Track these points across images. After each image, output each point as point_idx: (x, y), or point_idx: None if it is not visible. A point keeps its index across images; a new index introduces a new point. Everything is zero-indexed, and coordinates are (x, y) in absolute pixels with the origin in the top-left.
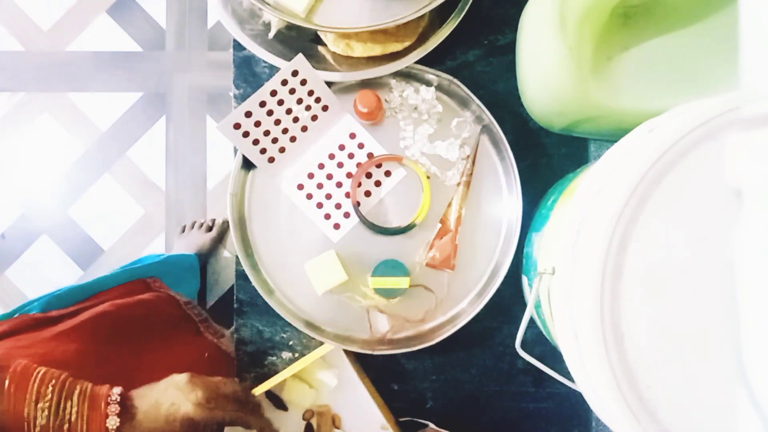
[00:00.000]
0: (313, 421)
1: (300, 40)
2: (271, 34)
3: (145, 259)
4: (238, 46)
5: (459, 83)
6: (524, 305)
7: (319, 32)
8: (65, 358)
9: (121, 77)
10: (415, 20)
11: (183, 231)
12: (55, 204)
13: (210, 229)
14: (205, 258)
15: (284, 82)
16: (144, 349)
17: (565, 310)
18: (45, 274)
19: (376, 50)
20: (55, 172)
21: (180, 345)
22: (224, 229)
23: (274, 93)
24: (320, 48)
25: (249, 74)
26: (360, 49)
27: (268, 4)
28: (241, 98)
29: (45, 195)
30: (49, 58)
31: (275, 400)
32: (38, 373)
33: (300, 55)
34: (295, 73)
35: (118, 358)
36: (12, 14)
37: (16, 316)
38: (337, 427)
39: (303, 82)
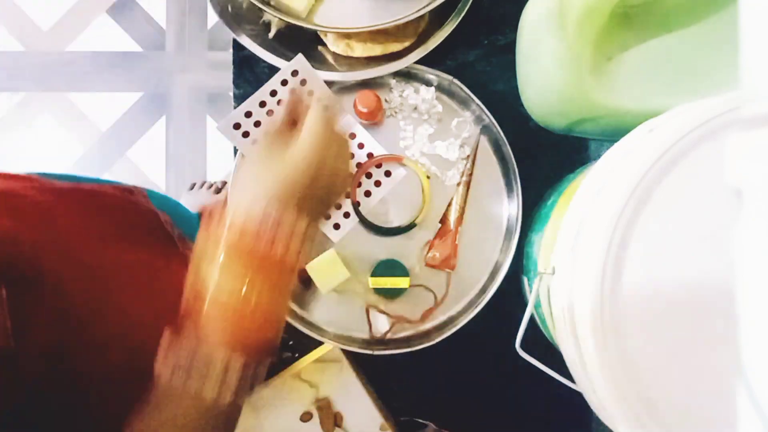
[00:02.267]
0: (314, 419)
1: (300, 40)
2: (271, 34)
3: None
4: (238, 46)
5: (459, 83)
6: (524, 305)
7: (319, 32)
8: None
9: (121, 77)
10: (415, 20)
11: (191, 188)
12: None
13: (219, 191)
14: None
15: (284, 82)
16: (119, 246)
17: (565, 310)
18: None
19: (376, 50)
20: (55, 172)
21: (157, 254)
22: None
23: (273, 93)
24: (320, 48)
25: (249, 74)
26: (360, 50)
27: (269, 4)
28: (241, 98)
29: None
30: (49, 58)
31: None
32: None
33: (300, 55)
34: (294, 73)
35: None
36: (12, 14)
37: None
38: (339, 425)
39: (303, 82)
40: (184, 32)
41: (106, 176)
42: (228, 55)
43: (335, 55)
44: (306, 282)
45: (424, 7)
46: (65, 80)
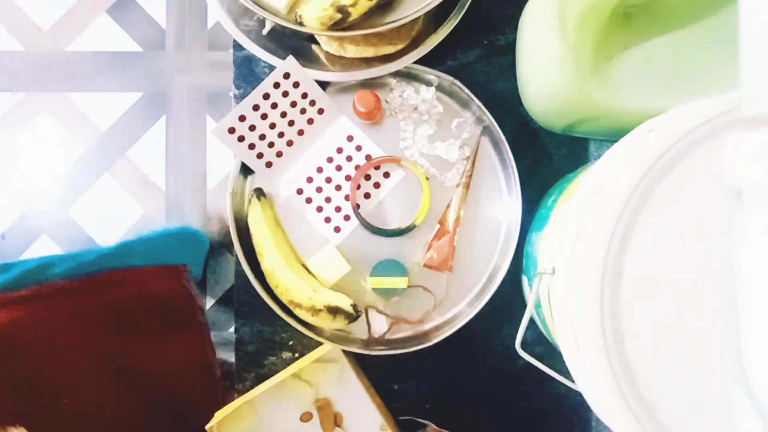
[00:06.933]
0: (314, 419)
1: (294, 39)
2: (264, 31)
3: (164, 231)
4: (237, 46)
5: (460, 84)
6: (524, 305)
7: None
8: (76, 344)
9: (121, 77)
10: (409, 24)
11: None
12: (55, 204)
13: None
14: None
15: (276, 85)
16: (141, 342)
17: (565, 310)
18: None
19: (369, 52)
20: (55, 172)
21: (175, 346)
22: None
23: (267, 96)
24: (314, 47)
25: (249, 74)
26: (352, 50)
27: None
28: (241, 98)
29: (45, 195)
30: (49, 58)
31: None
32: None
33: (290, 57)
34: (287, 76)
35: (113, 349)
36: (12, 14)
37: (43, 283)
38: (339, 426)
39: (296, 85)
40: (184, 32)
41: (106, 176)
42: (228, 55)
43: (328, 54)
44: (351, 316)
45: (416, 12)
46: (65, 80)
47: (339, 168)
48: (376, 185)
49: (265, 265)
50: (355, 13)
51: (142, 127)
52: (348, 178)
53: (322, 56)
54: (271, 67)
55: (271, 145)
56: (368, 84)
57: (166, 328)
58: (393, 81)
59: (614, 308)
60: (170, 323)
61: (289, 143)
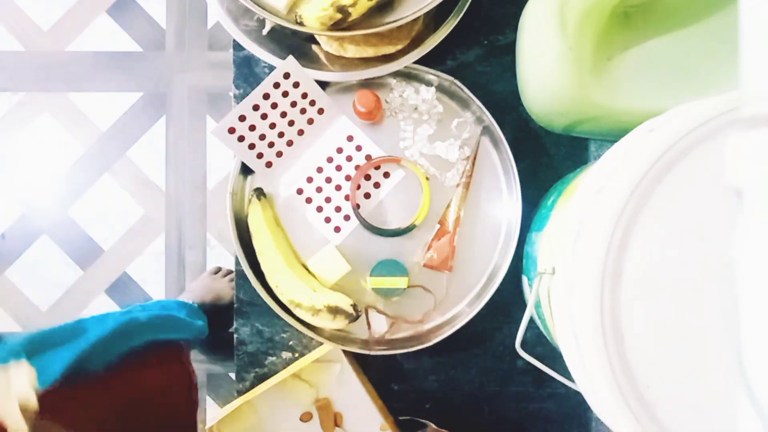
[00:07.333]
0: (314, 419)
1: (294, 38)
2: (264, 31)
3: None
4: (237, 46)
5: (460, 84)
6: (524, 305)
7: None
8: None
9: (121, 77)
10: (409, 24)
11: (216, 272)
12: (55, 204)
13: (232, 280)
14: (224, 306)
15: (276, 85)
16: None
17: (565, 310)
18: (45, 274)
19: (369, 52)
20: (55, 172)
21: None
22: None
23: (267, 96)
24: (314, 47)
25: (249, 74)
26: (352, 50)
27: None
28: (241, 98)
29: (45, 195)
30: (49, 58)
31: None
32: None
33: (290, 57)
34: (287, 76)
35: None
36: (12, 14)
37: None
38: (339, 425)
39: (296, 85)
40: (184, 32)
41: (106, 176)
42: (228, 55)
43: (328, 54)
44: (351, 316)
45: (416, 12)
46: (65, 80)
47: (339, 168)
48: (376, 185)
49: (265, 265)
50: (355, 13)
51: (142, 127)
52: (348, 178)
53: (322, 56)
54: (271, 67)
55: (271, 145)
56: (368, 84)
57: (165, 418)
58: (393, 81)
59: (614, 308)
60: (168, 413)
61: (289, 143)
